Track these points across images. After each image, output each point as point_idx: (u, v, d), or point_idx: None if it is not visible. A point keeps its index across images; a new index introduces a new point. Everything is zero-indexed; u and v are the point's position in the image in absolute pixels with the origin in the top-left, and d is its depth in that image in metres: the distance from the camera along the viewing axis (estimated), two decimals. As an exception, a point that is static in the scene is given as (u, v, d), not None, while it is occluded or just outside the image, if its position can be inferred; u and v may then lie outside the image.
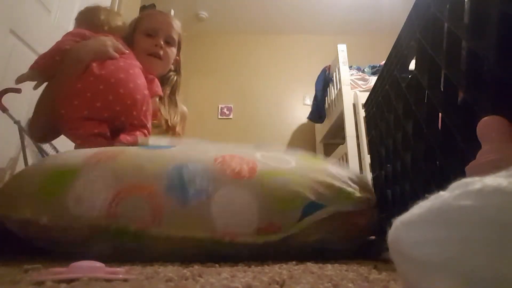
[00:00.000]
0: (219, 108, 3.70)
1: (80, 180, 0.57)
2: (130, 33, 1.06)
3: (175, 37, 1.10)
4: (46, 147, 1.53)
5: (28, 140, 1.46)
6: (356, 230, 0.58)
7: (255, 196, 0.56)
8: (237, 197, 0.55)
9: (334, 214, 0.56)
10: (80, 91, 0.83)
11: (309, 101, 3.51)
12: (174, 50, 1.11)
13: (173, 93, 1.16)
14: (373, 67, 2.77)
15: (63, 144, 1.09)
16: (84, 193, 0.55)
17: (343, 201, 0.59)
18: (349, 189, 0.62)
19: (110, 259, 0.41)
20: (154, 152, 0.64)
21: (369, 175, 1.26)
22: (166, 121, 1.09)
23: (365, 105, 0.99)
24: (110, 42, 0.91)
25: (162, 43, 1.05)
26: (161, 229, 0.53)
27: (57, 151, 1.55)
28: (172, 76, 1.16)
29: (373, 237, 0.67)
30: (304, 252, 0.56)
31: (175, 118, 1.12)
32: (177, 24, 1.10)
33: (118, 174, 0.57)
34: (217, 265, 0.46)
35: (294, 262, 0.48)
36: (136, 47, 1.04)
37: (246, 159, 0.62)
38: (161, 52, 1.05)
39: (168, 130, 1.09)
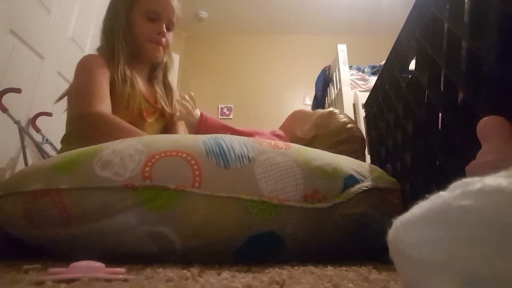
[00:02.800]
0: (219, 108, 3.70)
1: (107, 150, 0.52)
2: (126, 11, 0.96)
3: (175, 21, 1.03)
4: (46, 147, 1.54)
5: (28, 140, 1.46)
6: (393, 209, 0.58)
7: (296, 163, 0.54)
8: (280, 162, 0.53)
9: (372, 190, 0.56)
10: None
11: (309, 101, 3.51)
12: (171, 35, 1.04)
13: (165, 76, 1.09)
14: (373, 67, 2.77)
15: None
16: (113, 158, 0.50)
17: (377, 179, 0.59)
18: (377, 170, 0.62)
19: (110, 259, 0.41)
20: (177, 135, 0.61)
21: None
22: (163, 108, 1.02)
23: (365, 105, 1.00)
24: None
25: (165, 30, 0.98)
26: (202, 190, 0.48)
27: (57, 151, 1.55)
28: (165, 60, 1.08)
29: None
30: (352, 226, 0.54)
31: (174, 103, 1.05)
32: (178, 7, 1.03)
33: (150, 144, 0.53)
34: (217, 265, 0.46)
35: (294, 262, 0.48)
36: (134, 29, 0.96)
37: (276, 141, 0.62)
38: (164, 40, 0.99)
39: (169, 118, 1.03)
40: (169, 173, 0.49)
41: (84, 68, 0.91)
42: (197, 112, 0.90)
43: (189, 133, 0.91)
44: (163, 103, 1.01)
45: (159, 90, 1.04)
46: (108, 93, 0.86)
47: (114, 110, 0.86)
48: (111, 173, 0.48)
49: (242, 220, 0.49)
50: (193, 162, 0.50)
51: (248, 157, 0.53)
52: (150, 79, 1.05)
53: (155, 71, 1.06)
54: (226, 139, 0.56)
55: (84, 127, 0.81)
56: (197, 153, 0.51)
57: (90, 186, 0.48)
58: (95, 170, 0.49)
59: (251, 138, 0.59)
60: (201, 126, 0.87)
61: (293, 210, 0.50)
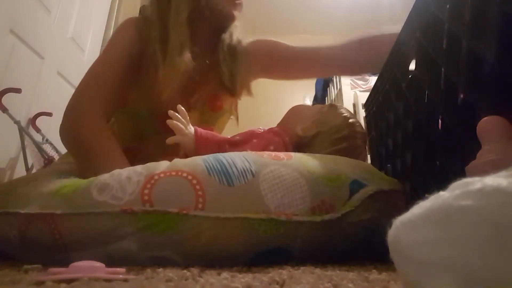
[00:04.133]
0: (219, 108, 3.70)
1: (103, 174, 0.51)
2: None
3: None
4: (46, 147, 1.54)
5: (28, 140, 1.46)
6: (398, 212, 0.57)
7: (301, 174, 0.52)
8: (284, 175, 0.51)
9: (377, 193, 0.54)
10: None
11: (309, 101, 3.51)
12: None
13: (232, 40, 0.99)
14: (373, 67, 2.77)
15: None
16: (110, 181, 0.48)
17: (381, 181, 0.57)
18: (378, 172, 0.61)
19: (110, 259, 0.41)
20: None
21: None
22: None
23: (365, 105, 0.99)
24: None
25: None
26: (207, 212, 0.46)
27: (57, 151, 1.55)
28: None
29: None
30: (359, 233, 0.53)
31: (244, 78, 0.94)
32: None
33: (149, 166, 0.51)
34: (217, 265, 0.46)
35: (294, 262, 0.48)
36: None
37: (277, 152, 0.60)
38: None
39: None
40: (170, 195, 0.46)
41: (109, 42, 0.83)
42: (190, 129, 0.74)
43: (188, 155, 0.72)
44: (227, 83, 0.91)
45: (225, 66, 0.94)
46: (118, 83, 0.77)
47: (147, 98, 0.79)
48: (108, 196, 0.47)
49: (249, 239, 0.47)
50: (194, 181, 0.48)
51: (251, 171, 0.50)
52: (213, 54, 0.93)
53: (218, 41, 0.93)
54: (225, 154, 0.54)
55: (66, 133, 0.73)
56: (198, 172, 0.49)
57: (86, 212, 0.46)
58: (93, 194, 0.47)
59: (251, 152, 0.57)
60: (199, 145, 0.73)
61: (302, 224, 0.48)
